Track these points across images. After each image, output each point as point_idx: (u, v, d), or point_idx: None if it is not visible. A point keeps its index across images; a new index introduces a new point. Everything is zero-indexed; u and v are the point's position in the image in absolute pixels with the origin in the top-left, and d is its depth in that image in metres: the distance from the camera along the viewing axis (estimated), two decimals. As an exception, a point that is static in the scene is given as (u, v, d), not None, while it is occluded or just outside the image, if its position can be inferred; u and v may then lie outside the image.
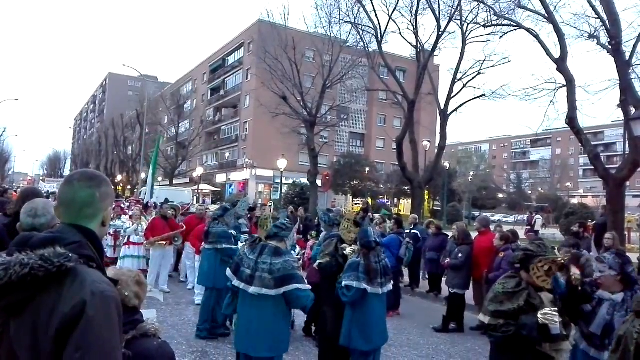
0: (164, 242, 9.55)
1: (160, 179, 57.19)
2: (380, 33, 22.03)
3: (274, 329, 4.33)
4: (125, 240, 10.07)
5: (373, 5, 22.04)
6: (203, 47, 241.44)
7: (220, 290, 6.79)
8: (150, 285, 9.24)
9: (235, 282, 4.52)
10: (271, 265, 4.34)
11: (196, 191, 40.37)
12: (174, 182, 49.77)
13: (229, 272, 4.69)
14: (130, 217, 10.53)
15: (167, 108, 54.20)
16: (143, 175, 43.40)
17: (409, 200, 32.09)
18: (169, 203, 11.52)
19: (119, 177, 64.07)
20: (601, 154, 16.33)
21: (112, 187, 1.82)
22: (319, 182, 26.59)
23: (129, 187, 61.34)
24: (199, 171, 46.60)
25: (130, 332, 2.16)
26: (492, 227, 9.34)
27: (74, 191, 1.65)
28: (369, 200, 43.00)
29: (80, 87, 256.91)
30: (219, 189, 51.64)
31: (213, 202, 36.13)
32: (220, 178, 55.56)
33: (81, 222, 1.62)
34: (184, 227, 10.18)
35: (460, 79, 21.20)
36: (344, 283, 4.84)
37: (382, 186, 51.58)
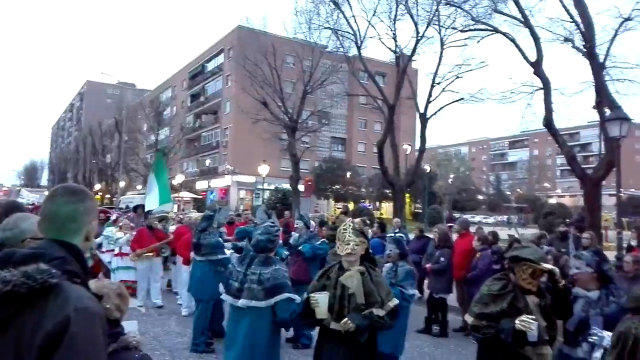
0: (151, 254, 9.34)
1: (139, 187, 56.58)
2: (360, 38, 22.22)
3: (264, 342, 4.19)
4: (117, 251, 9.86)
5: (352, 11, 22.27)
6: (182, 53, 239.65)
7: (217, 302, 6.74)
8: (142, 300, 9.10)
9: (224, 297, 4.40)
10: (260, 275, 4.19)
11: (177, 199, 40.00)
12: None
13: (221, 287, 4.57)
14: (120, 227, 10.30)
15: (146, 115, 53.68)
16: (122, 184, 42.89)
17: (391, 204, 32.27)
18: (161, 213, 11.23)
19: (97, 186, 63.13)
20: (577, 155, 16.69)
21: (95, 201, 1.81)
22: (301, 188, 26.62)
23: (107, 196, 60.47)
24: (179, 178, 46.20)
25: (112, 345, 2.14)
26: (472, 229, 9.44)
27: (57, 206, 1.64)
28: (351, 205, 43.13)
29: (57, 95, 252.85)
30: (200, 196, 51.21)
31: (196, 210, 35.81)
32: (201, 185, 55.16)
33: (64, 237, 1.61)
34: (171, 236, 10.01)
35: (439, 83, 21.52)
36: (410, 292, 5.10)
37: (363, 190, 51.77)
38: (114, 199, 49.44)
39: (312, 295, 3.60)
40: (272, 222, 4.70)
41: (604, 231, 11.93)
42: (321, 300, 3.55)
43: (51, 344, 1.36)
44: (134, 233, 9.73)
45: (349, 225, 3.73)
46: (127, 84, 67.87)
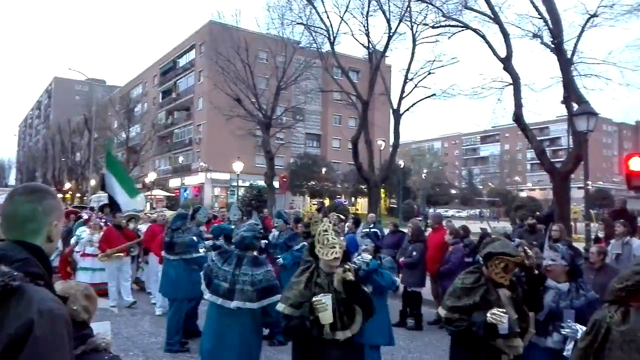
0: (121, 254, 9.17)
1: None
2: (333, 34, 22.24)
3: (250, 343, 4.19)
4: (82, 252, 9.65)
5: (325, 7, 22.24)
6: (153, 49, 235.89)
7: (191, 300, 6.65)
8: (114, 301, 8.95)
9: (211, 297, 4.30)
10: (252, 276, 4.15)
11: (149, 197, 39.41)
12: (126, 188, 48.36)
13: (203, 285, 4.48)
14: (90, 226, 10.08)
15: (116, 112, 52.70)
16: (92, 183, 42.00)
17: (366, 199, 32.47)
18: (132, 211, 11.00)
19: (67, 185, 61.71)
20: (547, 149, 17.06)
21: (58, 200, 1.75)
22: (276, 184, 26.54)
23: (78, 195, 59.17)
24: (151, 176, 45.51)
25: (80, 347, 2.10)
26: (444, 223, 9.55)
27: (14, 206, 1.59)
28: (326, 201, 43.23)
29: (24, 92, 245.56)
30: (173, 194, 50.58)
31: (168, 208, 35.33)
32: (174, 183, 54.48)
33: (25, 238, 1.56)
34: (141, 236, 9.85)
35: (411, 79, 21.71)
36: (395, 277, 5.35)
37: (339, 186, 51.94)
38: (84, 197, 48.35)
39: (317, 299, 3.32)
40: (256, 222, 4.75)
41: (572, 223, 12.21)
42: (329, 303, 3.33)
43: (14, 348, 1.32)
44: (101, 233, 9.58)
45: (329, 227, 3.55)
46: (96, 81, 66.45)
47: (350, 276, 3.34)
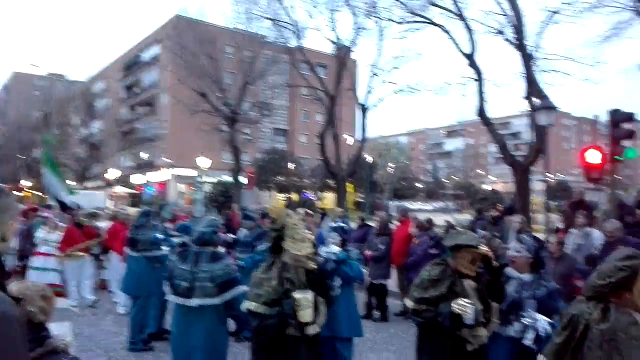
0: (82, 253, 8.93)
1: (71, 183, 53.94)
2: (299, 29, 22.15)
3: (216, 340, 4.14)
4: (36, 250, 9.33)
5: (291, 1, 22.13)
6: (115, 43, 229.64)
7: (152, 297, 6.55)
8: (75, 300, 8.70)
9: (171, 297, 4.26)
10: (212, 272, 4.10)
11: (111, 194, 38.52)
12: (87, 185, 47.23)
13: (165, 286, 4.42)
14: (47, 225, 9.74)
15: (77, 108, 51.17)
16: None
17: (334, 194, 32.57)
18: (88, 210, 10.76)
19: (26, 183, 59.62)
20: (509, 143, 17.42)
21: (12, 199, 1.67)
22: (243, 180, 26.31)
23: (38, 193, 57.27)
24: (114, 173, 44.41)
25: (37, 349, 2.03)
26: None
27: None
28: (294, 196, 43.20)
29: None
30: (137, 191, 49.53)
31: (131, 205, 34.60)
32: (138, 179, 53.37)
33: (-25, 237, 1.48)
34: (102, 235, 9.62)
35: (378, 75, 21.83)
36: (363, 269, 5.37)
37: (306, 181, 51.91)
38: (44, 196, 46.89)
39: (299, 296, 3.30)
40: (215, 216, 4.69)
41: (533, 214, 12.55)
42: (310, 299, 3.32)
43: None
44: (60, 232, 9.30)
45: (299, 221, 3.53)
46: (56, 75, 64.28)
47: (312, 265, 3.35)
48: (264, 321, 3.30)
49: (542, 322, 3.27)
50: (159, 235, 7.12)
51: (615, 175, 9.72)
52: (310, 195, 50.18)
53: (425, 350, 3.54)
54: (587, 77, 15.07)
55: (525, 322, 3.36)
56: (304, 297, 3.29)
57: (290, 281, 3.41)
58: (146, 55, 56.35)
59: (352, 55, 24.94)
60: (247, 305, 3.37)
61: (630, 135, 8.94)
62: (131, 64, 58.93)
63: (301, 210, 11.12)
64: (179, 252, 4.52)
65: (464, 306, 3.17)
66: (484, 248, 3.50)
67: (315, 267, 3.37)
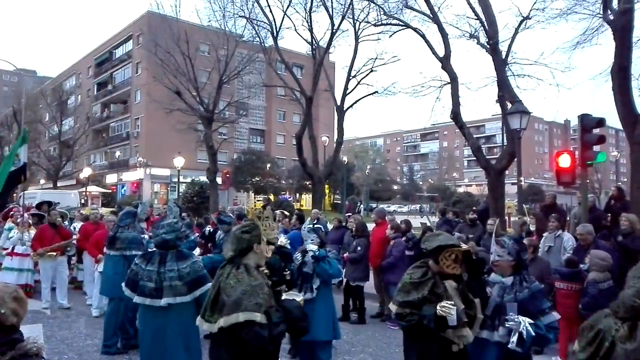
0: (55, 253, 8.67)
1: (42, 181, 52.62)
2: (276, 29, 22.09)
3: (191, 337, 4.11)
4: (9, 250, 9.07)
5: (267, 0, 22.05)
6: (88, 38, 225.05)
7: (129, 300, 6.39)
8: (47, 302, 8.48)
9: (138, 299, 4.23)
10: (179, 271, 4.13)
11: (84, 194, 37.72)
12: (59, 184, 46.15)
13: (127, 290, 4.40)
14: (17, 224, 9.48)
15: (48, 104, 49.95)
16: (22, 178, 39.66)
17: (311, 195, 32.57)
18: (57, 209, 10.49)
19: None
20: (482, 146, 17.75)
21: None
22: (219, 180, 26.08)
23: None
24: (86, 172, 43.42)
25: (8, 353, 1.97)
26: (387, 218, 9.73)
27: None
28: (271, 196, 43.02)
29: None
30: (110, 191, 48.65)
31: (104, 205, 33.87)
32: (111, 179, 52.42)
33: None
34: (77, 235, 9.39)
35: (354, 76, 21.99)
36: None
37: (283, 182, 51.82)
38: (14, 194, 45.58)
39: (299, 299, 3.38)
40: (175, 220, 4.73)
41: (506, 217, 12.74)
42: (299, 299, 3.40)
43: None
44: (31, 232, 9.08)
45: (270, 214, 3.41)
46: (26, 71, 62.81)
47: (282, 242, 3.51)
48: (276, 329, 3.02)
49: (525, 323, 3.31)
50: (144, 236, 7.02)
51: (586, 179, 9.92)
52: (286, 197, 50.13)
53: (412, 353, 3.56)
54: (559, 82, 15.39)
55: (507, 325, 3.39)
56: (302, 300, 3.41)
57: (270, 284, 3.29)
58: (119, 51, 55.41)
59: (329, 57, 25.03)
60: (252, 316, 2.95)
61: (600, 140, 9.13)
62: (103, 60, 57.90)
63: (278, 212, 11.10)
64: (142, 256, 4.54)
65: (448, 308, 3.22)
66: (464, 245, 3.55)
67: (284, 242, 3.45)
